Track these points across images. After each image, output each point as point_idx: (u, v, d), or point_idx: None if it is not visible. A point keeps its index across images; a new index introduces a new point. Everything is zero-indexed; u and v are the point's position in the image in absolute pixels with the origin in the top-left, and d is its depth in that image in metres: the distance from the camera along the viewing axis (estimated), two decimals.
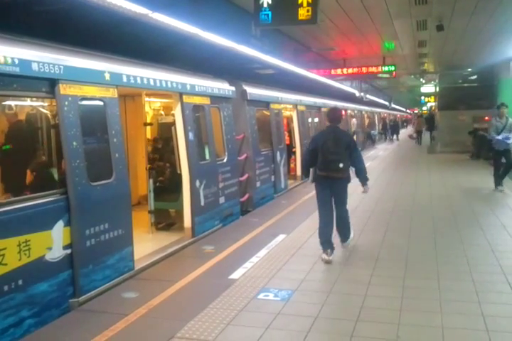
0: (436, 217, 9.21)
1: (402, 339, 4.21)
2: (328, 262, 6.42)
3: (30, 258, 4.69)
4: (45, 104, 5.99)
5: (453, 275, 5.84)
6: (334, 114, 6.89)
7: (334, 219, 6.80)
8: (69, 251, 5.20)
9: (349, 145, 6.64)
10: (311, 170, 6.85)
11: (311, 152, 6.69)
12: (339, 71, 17.13)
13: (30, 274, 4.70)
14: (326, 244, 6.57)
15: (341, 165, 6.51)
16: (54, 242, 5.01)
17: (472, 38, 14.47)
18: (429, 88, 32.30)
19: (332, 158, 6.50)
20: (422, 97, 43.76)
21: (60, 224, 5.09)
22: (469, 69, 22.32)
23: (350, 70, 17.18)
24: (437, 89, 27.27)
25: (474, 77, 23.46)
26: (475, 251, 6.87)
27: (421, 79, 29.20)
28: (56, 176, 5.69)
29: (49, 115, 6.02)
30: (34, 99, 5.82)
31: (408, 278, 5.76)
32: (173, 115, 8.25)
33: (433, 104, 40.52)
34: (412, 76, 26.88)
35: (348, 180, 6.78)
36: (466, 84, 23.77)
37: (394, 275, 5.86)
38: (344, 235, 7.04)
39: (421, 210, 9.90)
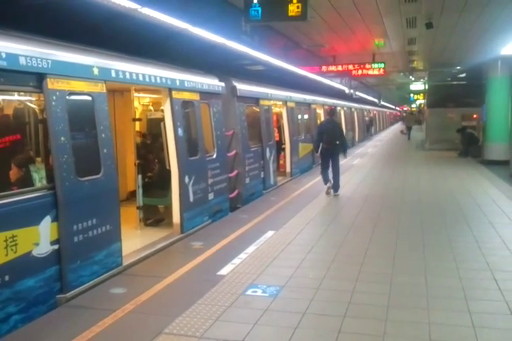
0: (424, 213, 9.27)
1: (389, 335, 4.23)
2: (329, 188, 11.30)
3: (17, 253, 4.66)
4: (33, 98, 5.94)
5: (440, 272, 5.88)
6: (331, 111, 11.81)
7: (330, 174, 11.31)
8: (56, 246, 5.17)
9: (340, 130, 11.49)
10: (320, 145, 11.20)
11: (319, 134, 11.28)
12: (330, 68, 17.08)
13: (17, 270, 4.66)
14: (326, 181, 11.42)
15: (338, 142, 11.15)
16: (41, 238, 4.97)
17: (461, 36, 14.51)
18: (418, 86, 32.40)
19: (333, 138, 11.06)
20: (411, 95, 43.92)
21: (47, 220, 5.06)
22: (458, 67, 22.40)
23: (364, 71, 17.15)
24: (426, 87, 27.36)
25: (463, 75, 23.56)
26: (462, 247, 6.92)
27: (410, 77, 29.25)
28: (43, 171, 5.65)
29: (37, 110, 5.97)
30: (22, 93, 5.77)
31: (395, 274, 5.79)
32: (162, 111, 8.22)
33: (422, 101, 40.70)
34: (402, 73, 26.92)
35: (339, 151, 11.29)
36: (455, 82, 23.88)
37: (381, 272, 5.89)
38: (335, 188, 11.23)
39: (409, 207, 9.96)
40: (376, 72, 17.14)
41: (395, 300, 5.01)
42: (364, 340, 4.18)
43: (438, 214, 9.22)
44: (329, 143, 11.01)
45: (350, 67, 17.01)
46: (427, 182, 13.54)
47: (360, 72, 17.08)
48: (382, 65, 17.00)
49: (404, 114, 51.02)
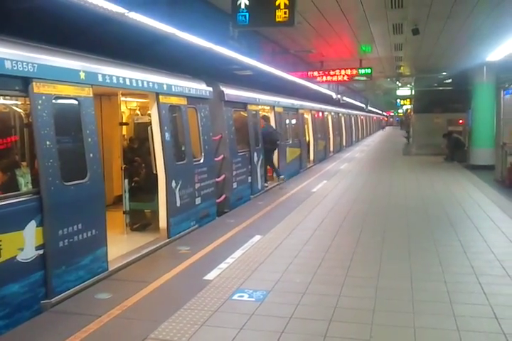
0: (410, 218, 9.32)
1: (374, 339, 4.25)
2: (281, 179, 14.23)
3: (1, 258, 4.61)
4: (19, 102, 5.91)
5: (425, 276, 5.92)
6: (267, 118, 14.05)
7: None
8: (41, 251, 5.12)
9: (277, 133, 14.28)
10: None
11: (265, 138, 13.29)
12: (316, 73, 17.14)
13: (1, 275, 4.62)
14: (279, 174, 14.17)
15: (278, 142, 14.09)
16: (26, 243, 4.93)
17: (447, 42, 14.66)
18: (404, 91, 32.67)
19: (274, 139, 13.76)
20: (398, 100, 44.21)
21: (32, 225, 5.01)
22: (444, 73, 22.62)
23: (329, 77, 17.21)
24: (413, 92, 27.56)
25: (449, 80, 23.80)
26: (448, 252, 6.97)
27: (397, 82, 29.48)
28: (29, 176, 5.61)
29: (22, 114, 5.94)
30: (7, 97, 5.73)
31: (381, 278, 5.82)
32: (149, 115, 8.20)
33: (409, 106, 41.00)
34: (388, 79, 27.11)
35: (275, 149, 14.14)
36: (441, 88, 24.11)
37: (367, 276, 5.91)
38: (277, 175, 14.24)
39: (395, 211, 10.01)
40: (340, 78, 17.23)
41: (380, 304, 5.03)
42: None
43: (424, 218, 9.28)
44: (273, 143, 13.70)
45: (316, 73, 17.07)
46: (413, 186, 13.62)
47: (324, 78, 17.18)
48: (370, 71, 17.06)
49: (391, 119, 51.76)
